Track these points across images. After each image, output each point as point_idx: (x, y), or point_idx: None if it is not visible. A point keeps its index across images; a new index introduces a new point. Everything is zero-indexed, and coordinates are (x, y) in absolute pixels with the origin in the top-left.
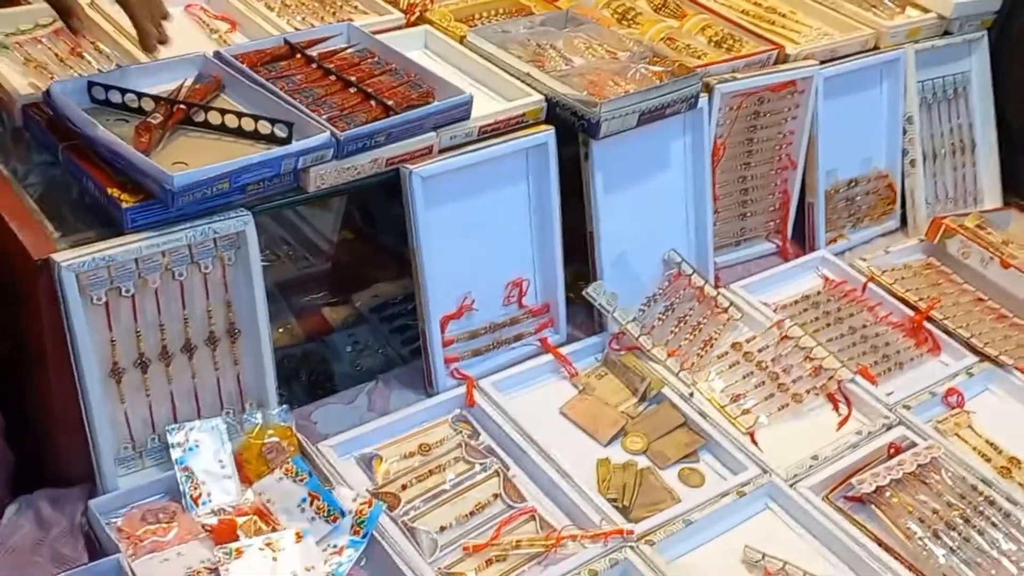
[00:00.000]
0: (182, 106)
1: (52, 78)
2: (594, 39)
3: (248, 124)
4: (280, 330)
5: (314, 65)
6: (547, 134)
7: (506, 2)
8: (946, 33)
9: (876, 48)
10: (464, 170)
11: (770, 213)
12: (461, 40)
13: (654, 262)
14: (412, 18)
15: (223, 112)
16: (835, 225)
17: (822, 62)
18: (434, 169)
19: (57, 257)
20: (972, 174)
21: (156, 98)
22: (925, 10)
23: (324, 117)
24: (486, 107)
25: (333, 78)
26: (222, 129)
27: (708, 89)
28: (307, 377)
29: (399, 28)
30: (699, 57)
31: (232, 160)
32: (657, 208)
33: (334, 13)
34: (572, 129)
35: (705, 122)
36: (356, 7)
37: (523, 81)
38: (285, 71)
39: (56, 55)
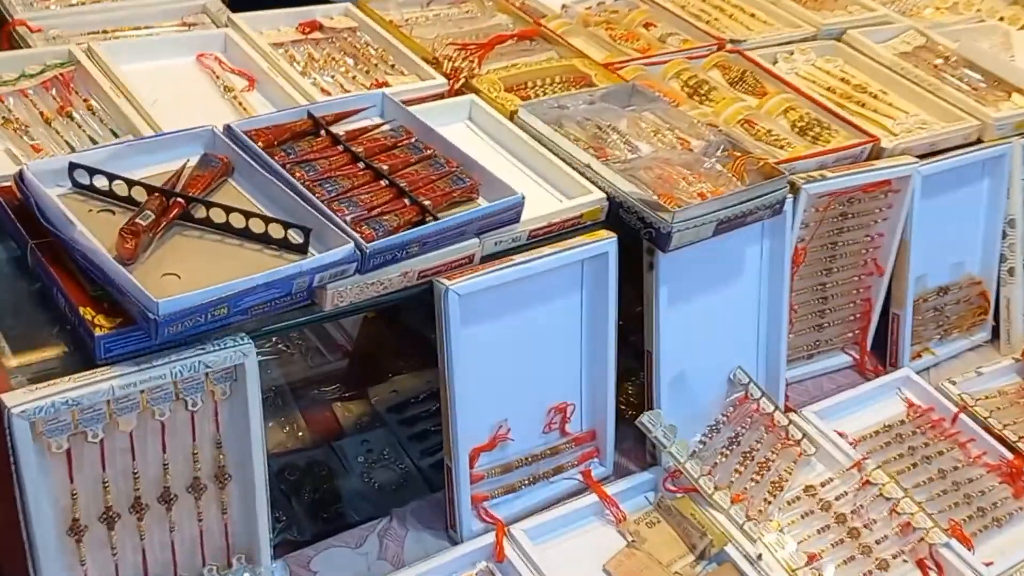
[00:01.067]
0: (180, 199)
1: (32, 145)
2: (662, 121)
3: (257, 226)
4: (282, 431)
5: (340, 147)
6: (609, 242)
7: (562, 69)
8: None
9: (979, 141)
10: (510, 284)
11: (849, 323)
12: (511, 116)
13: (718, 381)
14: (456, 84)
15: (228, 210)
16: (920, 337)
17: (920, 156)
18: (475, 286)
19: (8, 399)
20: None
21: (150, 188)
22: None
23: (348, 218)
24: (538, 203)
25: (361, 166)
26: (227, 229)
27: (794, 189)
28: (310, 495)
29: (440, 96)
30: (782, 147)
31: (231, 282)
32: (725, 321)
33: (367, 72)
34: (635, 233)
35: (787, 227)
36: (393, 66)
37: (581, 173)
38: (306, 154)
39: (42, 114)
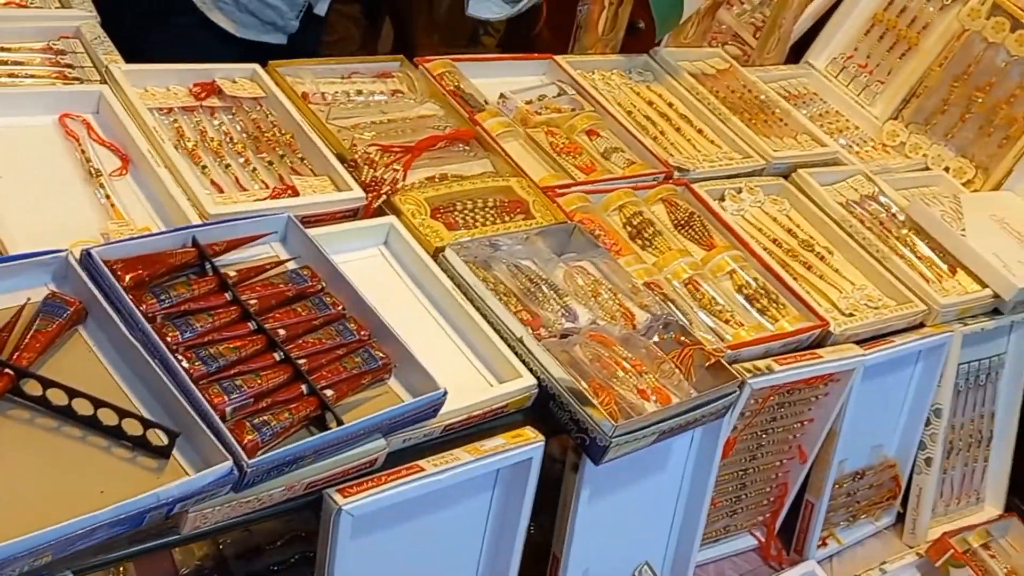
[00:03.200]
0: (8, 371)
1: None
2: (602, 277)
3: (109, 417)
4: None
5: (228, 295)
6: (534, 448)
7: (498, 190)
8: (995, 312)
9: (921, 324)
10: (414, 500)
11: (761, 507)
12: (435, 255)
13: None
14: (375, 202)
15: (71, 393)
16: (828, 522)
17: (859, 342)
18: (373, 503)
19: None
20: (981, 470)
21: None
22: (979, 282)
23: (229, 408)
24: (457, 376)
25: (252, 327)
26: (68, 415)
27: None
28: None
29: (355, 213)
30: (727, 320)
31: (61, 525)
32: (640, 515)
33: (271, 164)
34: (562, 427)
35: (725, 422)
36: (303, 159)
37: (511, 346)
38: (184, 302)
39: None
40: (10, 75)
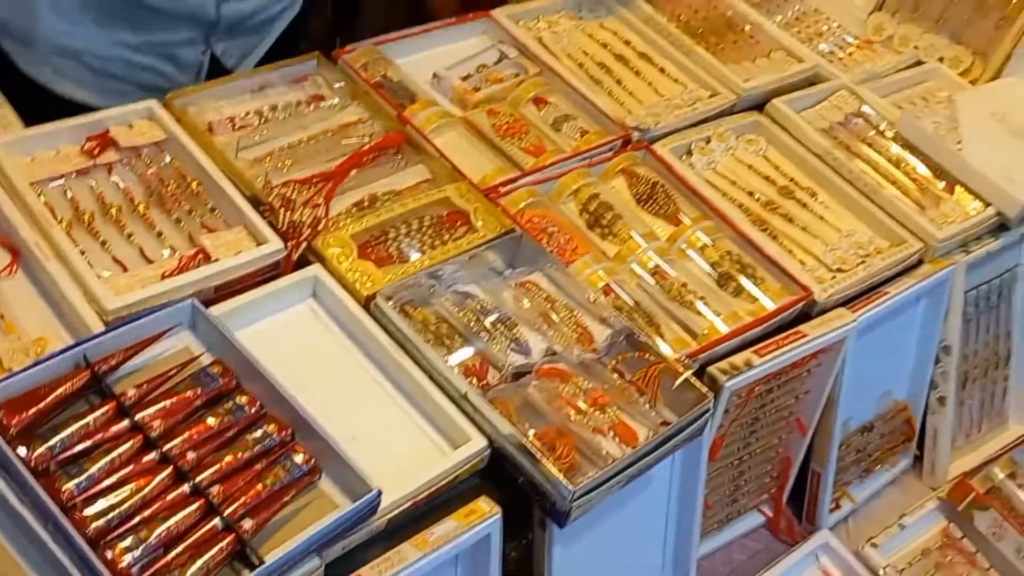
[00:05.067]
0: None
1: None
2: (555, 291)
3: None
4: None
5: (126, 423)
6: (491, 523)
7: (433, 205)
8: (1001, 227)
9: (920, 262)
10: None
11: (765, 485)
12: (366, 304)
13: None
14: (295, 252)
15: None
16: (841, 481)
17: (849, 302)
18: None
19: None
20: (1003, 390)
21: None
22: (982, 200)
23: (136, 568)
24: (400, 443)
25: (156, 457)
26: None
27: (714, 386)
28: None
29: (276, 267)
30: (696, 312)
31: None
32: (627, 549)
33: (179, 221)
34: (519, 488)
35: (705, 432)
36: (214, 210)
37: (455, 402)
38: (78, 440)
39: None
40: None
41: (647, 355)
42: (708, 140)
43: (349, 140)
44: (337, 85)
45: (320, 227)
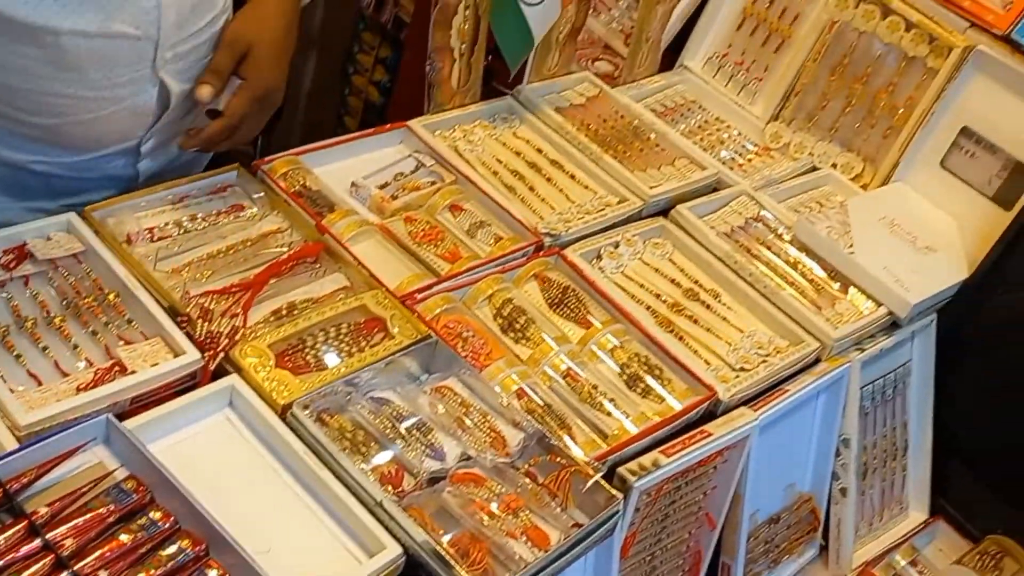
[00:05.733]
0: None
1: None
2: (470, 397)
3: None
4: None
5: (37, 542)
6: None
7: (350, 313)
8: (893, 325)
9: (817, 360)
10: None
11: None
12: (283, 414)
13: None
14: (213, 362)
15: None
16: (750, 572)
17: (752, 399)
18: None
19: None
20: (902, 479)
21: None
22: (874, 300)
23: None
24: (316, 553)
25: None
26: None
27: (624, 486)
28: None
29: (193, 377)
30: (606, 413)
31: None
32: None
33: (96, 334)
34: None
35: (616, 534)
36: (131, 321)
37: (370, 510)
38: None
39: None
40: None
41: (558, 458)
42: (617, 245)
43: (268, 249)
44: (256, 195)
45: (238, 337)
